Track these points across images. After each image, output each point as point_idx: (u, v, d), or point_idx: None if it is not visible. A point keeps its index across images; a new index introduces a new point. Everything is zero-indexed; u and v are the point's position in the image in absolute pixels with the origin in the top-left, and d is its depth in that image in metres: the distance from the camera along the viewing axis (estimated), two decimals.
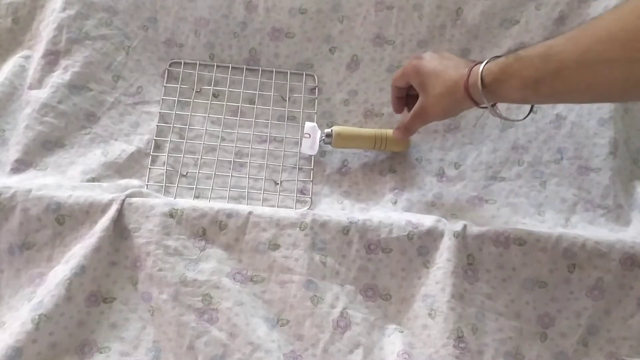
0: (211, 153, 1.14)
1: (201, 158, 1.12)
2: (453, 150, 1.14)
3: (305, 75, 1.23)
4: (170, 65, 1.21)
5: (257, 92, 1.20)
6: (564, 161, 1.10)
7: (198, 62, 1.22)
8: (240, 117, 1.18)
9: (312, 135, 1.10)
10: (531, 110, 0.99)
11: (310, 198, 1.10)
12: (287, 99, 1.21)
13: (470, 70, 0.90)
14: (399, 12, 1.20)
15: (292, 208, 1.08)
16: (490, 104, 0.91)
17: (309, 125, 1.11)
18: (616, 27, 0.72)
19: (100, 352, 0.87)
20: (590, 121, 1.10)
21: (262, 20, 1.21)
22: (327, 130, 1.11)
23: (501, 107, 1.06)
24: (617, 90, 0.78)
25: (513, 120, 1.05)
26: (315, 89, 1.22)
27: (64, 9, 1.14)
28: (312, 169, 1.13)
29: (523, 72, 0.82)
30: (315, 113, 1.19)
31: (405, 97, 1.09)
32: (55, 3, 1.16)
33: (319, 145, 1.11)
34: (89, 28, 1.14)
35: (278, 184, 1.11)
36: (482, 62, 0.89)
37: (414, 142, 1.15)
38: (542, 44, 0.81)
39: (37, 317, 0.83)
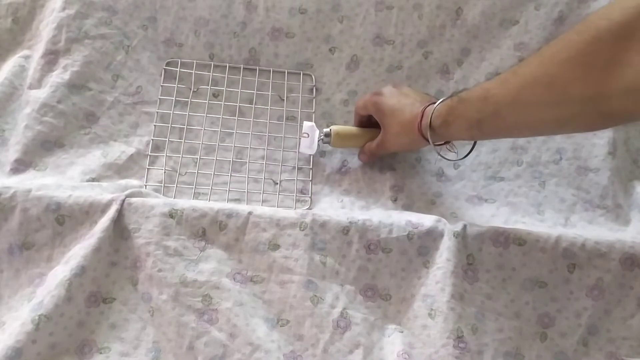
0: (210, 153, 1.14)
1: (200, 158, 1.12)
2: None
3: (303, 74, 1.23)
4: (167, 65, 1.21)
5: (254, 92, 1.21)
6: (563, 161, 1.10)
7: (195, 61, 1.22)
8: (238, 117, 1.18)
9: (310, 135, 1.10)
10: (472, 149, 1.01)
11: (310, 197, 1.10)
12: (286, 98, 1.21)
13: (423, 112, 0.96)
14: (398, 12, 1.20)
15: (292, 208, 1.08)
16: (440, 143, 1.00)
17: (307, 124, 1.11)
18: (540, 72, 0.77)
19: (100, 353, 0.86)
20: None
21: (261, 20, 1.20)
22: (326, 130, 1.11)
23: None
24: (551, 127, 0.86)
25: (454, 160, 1.10)
26: (313, 88, 1.22)
27: (63, 9, 1.13)
28: (312, 169, 1.14)
29: (466, 114, 0.88)
30: (314, 112, 1.19)
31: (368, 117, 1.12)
32: (54, 3, 1.15)
33: (318, 144, 1.11)
34: (88, 27, 1.14)
35: (277, 183, 1.11)
36: (435, 103, 0.95)
37: None
38: (481, 87, 0.87)
39: (37, 317, 0.83)
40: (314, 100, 1.21)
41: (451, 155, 1.04)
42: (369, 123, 1.11)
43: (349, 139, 1.12)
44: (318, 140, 1.11)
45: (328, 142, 1.11)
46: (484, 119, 0.85)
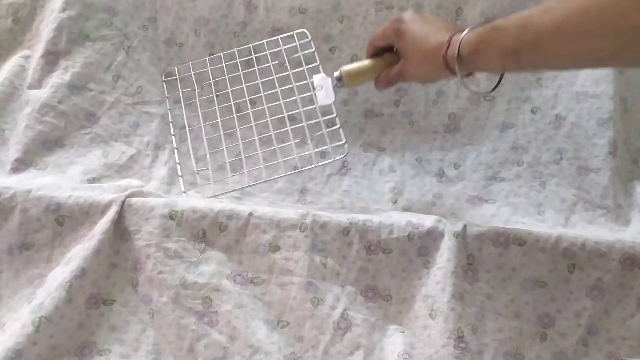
0: (233, 140, 1.13)
1: (226, 148, 1.12)
2: (453, 150, 1.14)
3: (297, 34, 1.20)
4: (165, 77, 1.22)
5: (256, 68, 1.19)
6: (563, 161, 1.10)
7: (191, 63, 1.22)
8: (249, 97, 1.18)
9: (324, 86, 1.06)
10: (499, 82, 0.96)
11: (345, 144, 1.06)
12: (288, 61, 1.18)
13: (450, 41, 0.89)
14: (399, 12, 1.20)
15: (331, 159, 1.06)
16: (466, 74, 0.92)
17: (317, 77, 1.08)
18: (587, 0, 0.71)
19: (100, 355, 0.87)
20: (590, 121, 1.11)
21: (262, 20, 1.21)
22: (336, 74, 1.03)
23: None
24: (595, 59, 0.78)
25: (482, 94, 1.03)
26: (310, 42, 1.18)
27: (64, 10, 1.14)
28: (336, 116, 1.09)
29: (501, 42, 0.82)
30: (319, 64, 1.15)
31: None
32: (55, 3, 1.16)
33: (334, 91, 1.06)
34: (89, 29, 1.15)
35: (308, 143, 1.09)
36: (462, 32, 0.88)
37: (414, 143, 1.15)
38: (519, 15, 0.80)
39: (37, 319, 0.83)
40: (315, 53, 1.17)
41: (477, 89, 0.98)
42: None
43: (363, 74, 1.04)
44: (333, 88, 1.05)
45: (342, 86, 1.04)
46: (521, 48, 0.79)
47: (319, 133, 1.10)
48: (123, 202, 0.93)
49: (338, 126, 1.08)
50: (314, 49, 1.18)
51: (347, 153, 1.07)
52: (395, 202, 1.08)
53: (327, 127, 1.09)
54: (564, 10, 0.74)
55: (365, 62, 1.04)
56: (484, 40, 0.84)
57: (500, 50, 0.82)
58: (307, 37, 1.20)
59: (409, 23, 0.97)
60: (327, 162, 1.06)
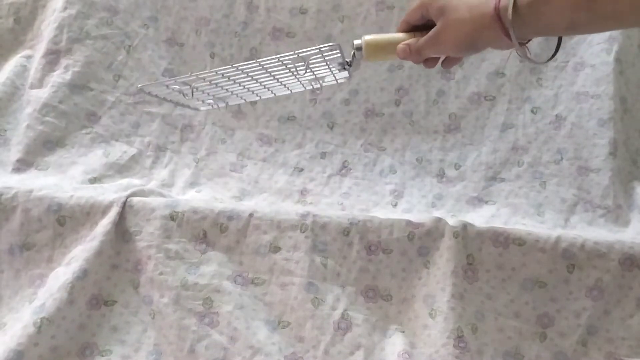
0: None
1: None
2: (453, 150, 1.14)
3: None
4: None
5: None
6: (563, 162, 1.10)
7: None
8: None
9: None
10: (556, 51, 0.80)
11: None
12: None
13: None
14: (399, 12, 1.20)
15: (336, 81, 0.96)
16: (520, 37, 0.74)
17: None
18: None
19: (102, 355, 0.87)
20: (590, 122, 1.11)
21: (263, 20, 1.21)
22: (357, 42, 0.87)
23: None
24: None
25: (538, 63, 0.85)
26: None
27: (65, 9, 1.14)
28: (339, 43, 0.89)
29: None
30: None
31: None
32: (56, 3, 1.16)
33: (353, 62, 0.90)
34: (90, 27, 1.15)
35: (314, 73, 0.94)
36: None
37: (414, 143, 1.15)
38: None
39: (39, 320, 0.83)
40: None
41: (532, 56, 0.80)
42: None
43: (386, 47, 0.87)
44: (351, 57, 0.89)
45: (361, 57, 0.88)
46: None
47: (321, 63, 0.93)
48: (124, 203, 0.94)
49: (338, 52, 0.90)
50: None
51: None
52: (395, 205, 1.08)
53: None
54: None
55: (392, 35, 0.88)
56: None
57: None
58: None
59: None
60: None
